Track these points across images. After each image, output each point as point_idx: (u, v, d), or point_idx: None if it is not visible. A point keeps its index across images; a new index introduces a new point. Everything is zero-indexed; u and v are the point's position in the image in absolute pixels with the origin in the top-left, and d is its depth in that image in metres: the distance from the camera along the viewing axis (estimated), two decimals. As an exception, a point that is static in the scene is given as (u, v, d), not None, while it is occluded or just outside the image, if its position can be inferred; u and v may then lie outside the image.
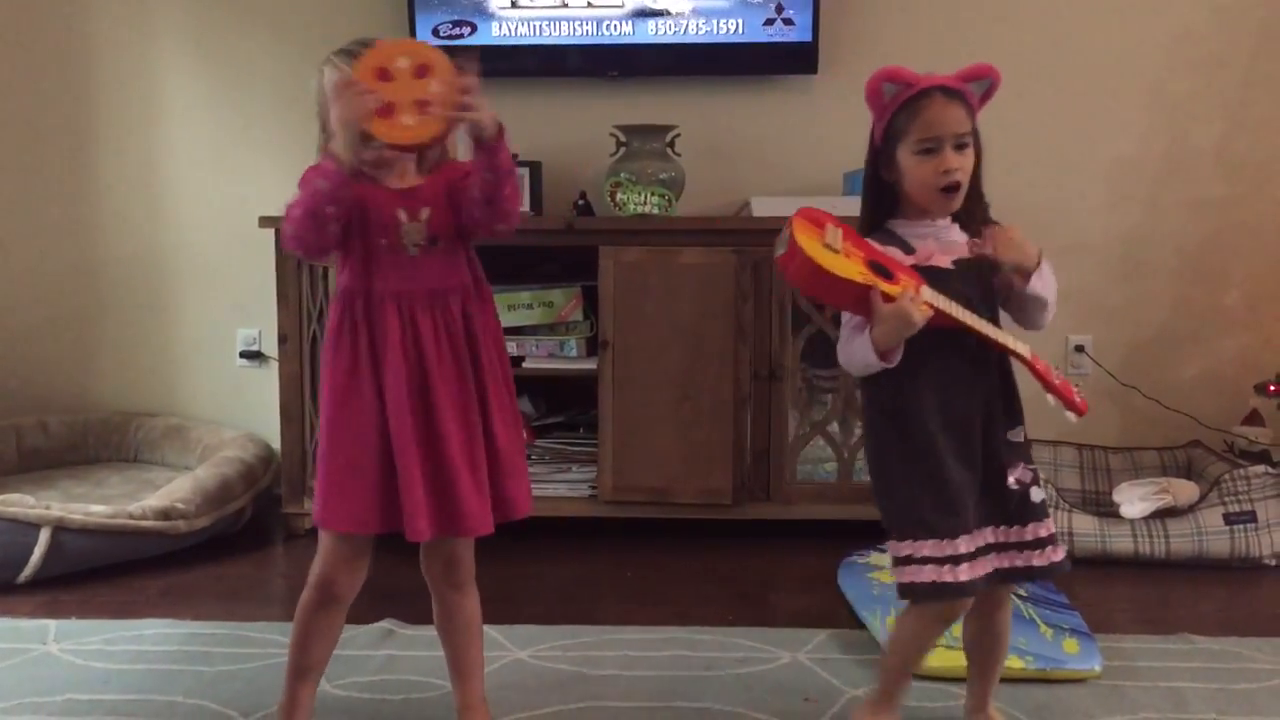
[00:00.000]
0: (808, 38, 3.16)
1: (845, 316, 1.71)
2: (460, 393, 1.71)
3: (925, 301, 1.59)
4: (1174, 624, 2.40)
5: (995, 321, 1.71)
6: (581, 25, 3.20)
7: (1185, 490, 2.89)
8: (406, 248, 1.71)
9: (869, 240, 1.67)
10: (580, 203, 3.16)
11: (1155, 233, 3.34)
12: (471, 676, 1.88)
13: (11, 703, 2.00)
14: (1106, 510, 2.93)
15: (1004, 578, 1.73)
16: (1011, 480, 1.71)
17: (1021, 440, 1.74)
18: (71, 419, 3.44)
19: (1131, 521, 2.82)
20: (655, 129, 3.12)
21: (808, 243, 1.57)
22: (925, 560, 1.66)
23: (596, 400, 2.95)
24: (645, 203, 2.98)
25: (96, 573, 2.66)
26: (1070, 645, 2.16)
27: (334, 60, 1.72)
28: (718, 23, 3.18)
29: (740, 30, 3.18)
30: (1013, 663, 2.10)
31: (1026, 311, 1.72)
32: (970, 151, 1.69)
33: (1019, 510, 1.72)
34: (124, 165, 3.46)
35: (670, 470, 2.93)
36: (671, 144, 3.14)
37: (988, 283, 1.72)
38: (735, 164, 3.35)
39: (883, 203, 1.73)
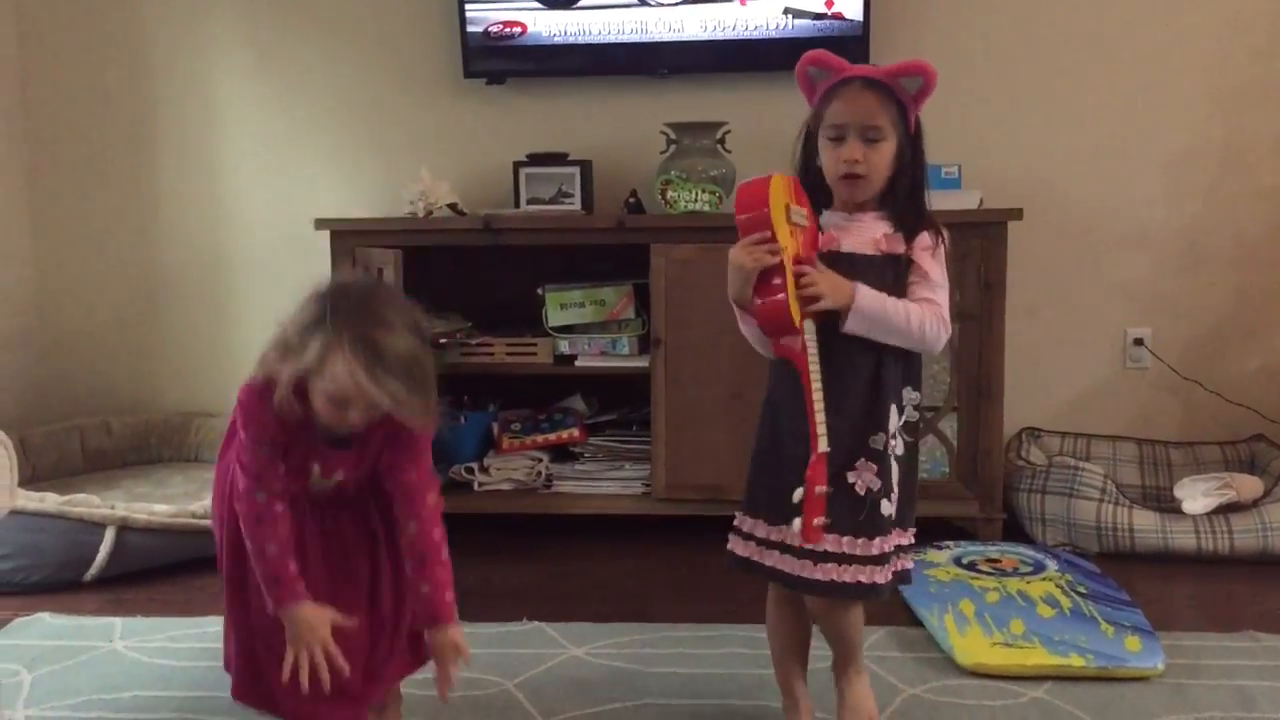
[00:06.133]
0: (859, 31, 3.13)
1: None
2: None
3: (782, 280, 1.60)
4: (1239, 621, 2.36)
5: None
6: (631, 23, 3.21)
7: (1249, 485, 2.84)
8: (309, 489, 1.65)
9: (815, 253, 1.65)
10: (631, 201, 3.16)
11: (1215, 223, 3.28)
12: None
13: (79, 699, 2.05)
14: (1168, 506, 2.89)
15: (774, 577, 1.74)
16: (857, 483, 1.66)
17: (881, 448, 1.67)
18: (134, 420, 3.51)
19: (1194, 517, 2.78)
20: (705, 126, 3.11)
21: (777, 191, 1.61)
22: (734, 531, 1.76)
23: (649, 398, 2.95)
24: (696, 200, 2.98)
25: (160, 571, 2.71)
26: (1132, 643, 2.14)
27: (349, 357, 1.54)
28: (768, 18, 3.17)
29: (790, 25, 3.17)
30: (1073, 661, 2.09)
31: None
32: (884, 146, 1.65)
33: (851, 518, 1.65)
34: (183, 171, 3.52)
35: (723, 467, 2.93)
36: (722, 140, 3.13)
37: (903, 283, 1.68)
38: (786, 160, 3.29)
39: (814, 190, 1.72)
